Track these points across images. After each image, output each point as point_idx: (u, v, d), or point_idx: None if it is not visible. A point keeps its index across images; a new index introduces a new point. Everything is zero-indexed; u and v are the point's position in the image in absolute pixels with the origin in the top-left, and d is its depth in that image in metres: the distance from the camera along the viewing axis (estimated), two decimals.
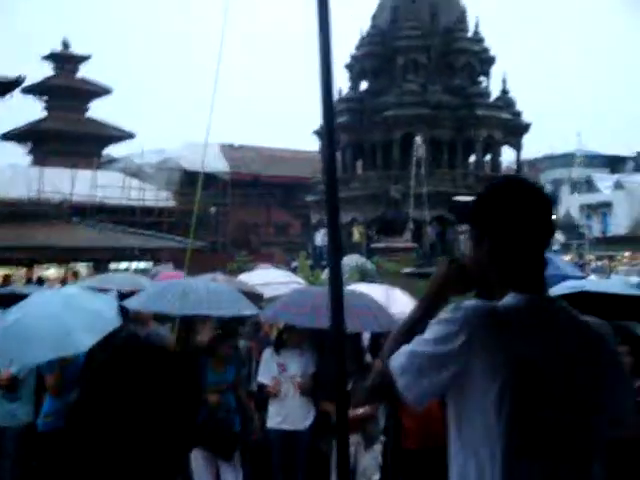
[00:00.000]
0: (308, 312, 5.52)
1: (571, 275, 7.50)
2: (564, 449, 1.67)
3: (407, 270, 13.71)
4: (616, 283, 6.52)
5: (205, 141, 4.28)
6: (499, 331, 1.67)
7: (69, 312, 5.05)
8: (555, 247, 44.86)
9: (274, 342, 6.01)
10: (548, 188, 55.20)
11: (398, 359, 1.73)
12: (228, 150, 37.56)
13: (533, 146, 45.92)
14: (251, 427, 5.89)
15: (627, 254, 36.24)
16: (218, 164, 35.52)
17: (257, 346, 6.91)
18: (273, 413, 5.78)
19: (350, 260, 14.63)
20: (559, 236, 47.57)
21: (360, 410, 5.49)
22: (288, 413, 5.70)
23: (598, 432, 1.72)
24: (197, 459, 5.59)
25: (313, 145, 31.60)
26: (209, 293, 5.87)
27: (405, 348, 1.74)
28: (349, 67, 29.40)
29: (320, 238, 27.08)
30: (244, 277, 8.30)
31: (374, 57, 28.43)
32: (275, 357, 5.84)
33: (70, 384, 5.67)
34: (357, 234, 25.88)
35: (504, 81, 28.44)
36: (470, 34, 28.25)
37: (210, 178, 34.36)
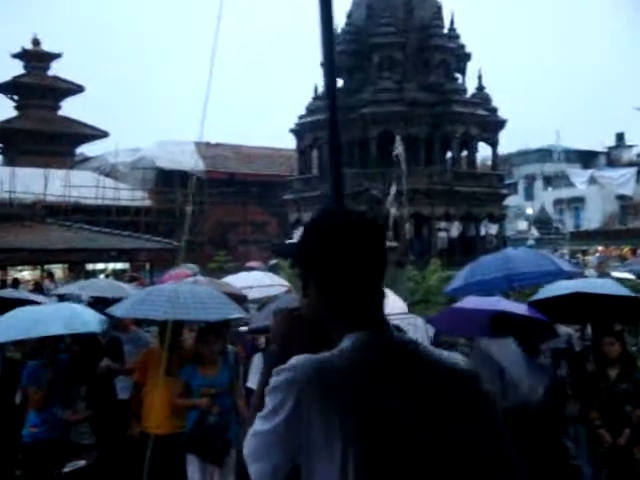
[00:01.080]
0: None
1: (568, 270, 7.46)
2: None
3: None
4: (609, 284, 6.53)
5: (201, 135, 4.15)
6: (330, 387, 1.46)
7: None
8: (530, 242, 45.34)
9: (263, 347, 5.92)
10: (522, 183, 55.77)
11: (246, 445, 1.52)
12: (204, 148, 37.30)
13: (508, 142, 46.13)
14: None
15: (600, 248, 36.67)
16: (194, 162, 35.26)
17: (243, 350, 6.83)
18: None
19: None
20: (533, 231, 48.07)
21: None
22: None
23: None
24: (193, 464, 5.50)
25: (290, 143, 31.48)
26: (195, 297, 5.78)
27: (249, 430, 1.52)
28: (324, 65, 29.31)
29: (298, 236, 27.04)
30: (227, 279, 8.21)
31: (350, 54, 28.33)
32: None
33: (54, 399, 5.62)
34: None
35: (480, 77, 28.57)
36: (446, 30, 28.30)
37: (186, 176, 34.12)
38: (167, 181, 34.23)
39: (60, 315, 5.73)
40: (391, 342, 1.59)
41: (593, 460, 5.79)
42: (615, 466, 5.50)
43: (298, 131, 28.98)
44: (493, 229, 27.14)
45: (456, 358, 1.63)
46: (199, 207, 34.28)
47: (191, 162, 34.58)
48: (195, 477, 5.54)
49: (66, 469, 5.17)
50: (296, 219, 28.00)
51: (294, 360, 1.50)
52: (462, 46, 28.64)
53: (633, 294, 6.48)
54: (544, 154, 56.31)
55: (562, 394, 6.69)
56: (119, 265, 22.04)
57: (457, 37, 28.64)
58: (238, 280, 8.19)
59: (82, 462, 5.19)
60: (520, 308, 6.04)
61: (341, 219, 1.69)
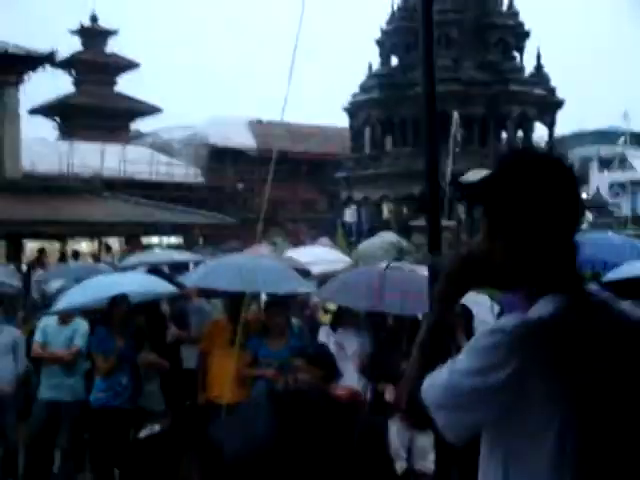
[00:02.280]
0: (365, 294, 5.47)
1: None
2: None
3: None
4: None
5: (282, 114, 4.16)
6: (554, 352, 1.40)
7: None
8: (583, 226, 44.34)
9: (331, 321, 5.96)
10: (576, 165, 54.51)
11: (433, 392, 1.48)
12: (256, 125, 37.43)
13: (563, 123, 45.14)
14: None
15: None
16: (246, 140, 35.48)
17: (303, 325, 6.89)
18: None
19: (385, 238, 14.51)
20: (588, 214, 46.98)
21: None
22: None
23: None
24: None
25: (342, 121, 31.37)
26: (264, 270, 5.83)
27: (439, 378, 1.48)
28: (379, 42, 29.04)
29: (349, 215, 27.00)
30: (290, 254, 8.25)
31: (405, 32, 28.00)
32: (332, 336, 5.80)
33: (120, 367, 5.77)
34: (387, 211, 25.75)
35: (538, 56, 27.94)
36: (504, 8, 27.71)
37: (238, 154, 34.36)
38: (219, 158, 34.51)
39: (135, 279, 5.86)
40: (597, 306, 1.49)
41: None
42: None
43: (351, 109, 28.85)
44: None
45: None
46: (250, 185, 34.53)
47: (243, 139, 34.81)
48: None
49: (142, 434, 5.29)
50: (347, 197, 27.99)
51: (510, 321, 1.44)
52: (521, 24, 28.04)
53: None
54: (601, 136, 54.86)
55: None
56: (173, 239, 22.37)
57: (516, 14, 28.03)
58: (301, 255, 8.23)
59: (157, 427, 5.30)
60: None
61: (539, 163, 1.52)
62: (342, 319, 5.81)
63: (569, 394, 1.40)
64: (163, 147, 34.76)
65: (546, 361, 1.40)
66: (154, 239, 22.11)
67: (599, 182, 49.16)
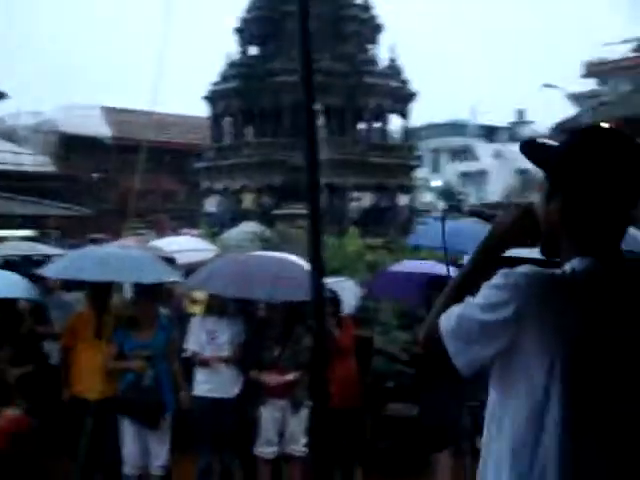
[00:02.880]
0: (233, 281, 5.47)
1: None
2: (623, 442, 1.51)
3: None
4: None
5: (153, 104, 4.02)
6: (553, 304, 1.50)
7: None
8: (435, 214, 46.52)
9: (203, 310, 5.90)
10: (428, 156, 57.03)
11: (448, 321, 1.61)
12: (111, 113, 36.06)
13: (415, 115, 46.94)
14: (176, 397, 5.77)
15: None
16: (100, 128, 34.09)
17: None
18: (201, 381, 5.71)
19: (247, 227, 14.50)
20: (439, 203, 49.38)
21: (288, 376, 5.52)
22: (217, 381, 5.64)
23: None
24: (125, 427, 5.44)
25: (202, 111, 30.88)
26: (129, 259, 5.67)
27: (455, 310, 1.61)
28: (238, 31, 28.80)
29: (211, 205, 26.70)
30: (155, 243, 8.05)
31: (264, 22, 27.99)
32: (204, 324, 5.73)
33: None
34: (248, 201, 25.69)
35: (392, 49, 28.84)
36: (359, 1, 28.36)
37: (92, 143, 32.96)
38: (72, 146, 32.93)
39: None
40: (625, 270, 1.57)
41: None
42: None
43: (211, 98, 28.46)
44: (404, 200, 27.70)
45: None
46: (106, 175, 33.23)
47: (98, 128, 33.44)
48: (128, 441, 5.49)
49: None
50: (208, 188, 27.63)
51: (526, 268, 1.54)
52: (375, 17, 28.80)
53: None
54: (449, 128, 57.68)
55: None
56: (24, 232, 21.07)
57: (370, 8, 28.76)
58: (166, 244, 8.04)
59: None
60: (454, 272, 6.26)
61: (614, 140, 1.60)
62: (214, 308, 5.77)
63: (557, 348, 1.49)
64: (9, 134, 32.66)
65: (541, 310, 1.50)
66: (3, 232, 20.75)
67: (449, 172, 51.82)
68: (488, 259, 1.73)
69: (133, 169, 34.04)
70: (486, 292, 1.57)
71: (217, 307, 5.74)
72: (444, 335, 1.61)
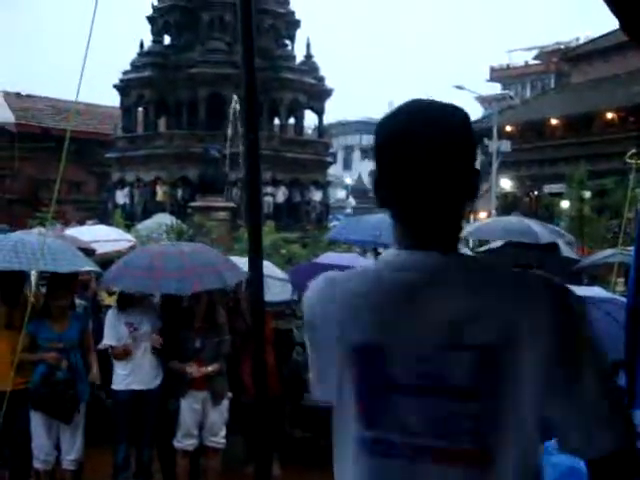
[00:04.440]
0: (143, 276, 5.39)
1: None
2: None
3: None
4: None
5: (77, 92, 3.87)
6: (336, 310, 1.37)
7: None
8: (347, 210, 47.11)
9: (118, 301, 5.75)
10: (341, 153, 57.72)
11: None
12: (14, 99, 34.54)
13: (328, 113, 47.42)
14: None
15: None
16: (3, 114, 32.60)
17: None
18: (122, 375, 5.57)
19: (161, 219, 14.27)
20: (351, 199, 50.05)
21: (209, 368, 5.47)
22: (139, 373, 5.53)
23: None
24: (35, 422, 5.25)
25: (112, 100, 30.06)
26: (43, 248, 5.45)
27: None
28: (151, 19, 28.18)
29: (122, 196, 26.04)
30: (72, 232, 7.79)
31: (178, 11, 27.50)
32: (122, 317, 5.60)
33: None
34: (161, 193, 25.23)
35: (308, 45, 28.94)
36: None
37: None
38: None
39: None
40: (441, 265, 1.33)
41: None
42: None
43: (122, 88, 27.73)
44: (317, 196, 27.90)
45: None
46: (8, 163, 31.82)
47: None
48: (39, 434, 5.30)
49: None
50: (119, 178, 26.94)
51: (316, 280, 1.47)
52: (292, 12, 28.84)
53: None
54: (362, 126, 58.54)
55: None
56: None
57: (287, 3, 28.78)
58: (82, 234, 7.80)
59: None
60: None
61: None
62: (132, 299, 5.64)
63: (347, 351, 1.35)
64: None
65: (325, 316, 1.40)
66: None
67: (361, 169, 52.56)
68: None
69: (37, 157, 32.88)
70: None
71: (136, 299, 5.62)
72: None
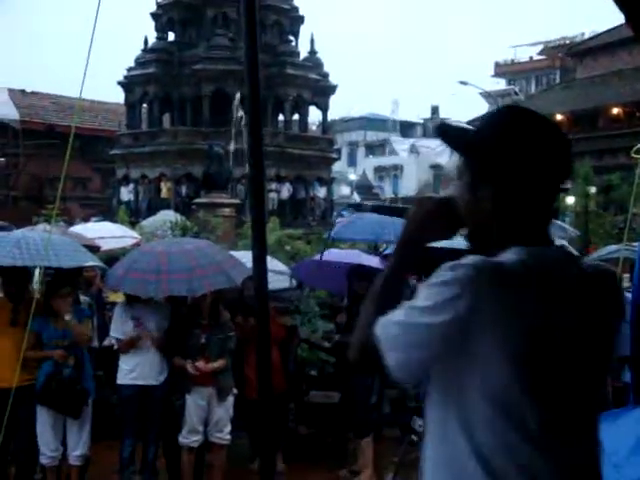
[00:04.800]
0: (155, 279, 5.38)
1: None
2: (579, 426, 1.51)
3: None
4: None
5: (80, 91, 3.87)
6: (509, 294, 1.42)
7: None
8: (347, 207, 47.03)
9: (127, 296, 5.76)
10: (345, 150, 57.62)
11: (384, 331, 1.46)
12: (19, 96, 34.60)
13: (332, 109, 47.38)
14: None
15: None
16: (7, 111, 32.65)
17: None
18: (126, 369, 5.59)
19: (166, 216, 14.28)
20: (355, 196, 50.03)
21: (215, 364, 5.48)
22: (144, 368, 5.54)
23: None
24: (41, 418, 5.27)
25: (117, 97, 30.08)
26: (46, 243, 5.45)
27: (393, 318, 1.46)
28: (155, 16, 28.17)
29: (126, 193, 26.08)
30: (76, 229, 7.81)
31: (182, 7, 27.50)
32: (129, 311, 5.61)
33: None
34: (165, 190, 25.26)
35: (312, 41, 28.90)
36: None
37: None
38: None
39: None
40: (560, 256, 1.54)
41: None
42: None
43: (127, 84, 27.74)
44: (322, 192, 27.89)
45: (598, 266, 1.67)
46: (13, 159, 31.88)
47: (4, 111, 32.01)
48: (46, 430, 5.32)
49: None
50: (124, 175, 26.97)
51: (471, 259, 1.43)
52: (295, 8, 28.80)
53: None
54: (364, 122, 58.43)
55: None
56: None
57: None
58: (87, 231, 7.82)
59: None
60: (375, 261, 6.39)
61: (536, 121, 1.54)
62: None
63: (518, 339, 1.40)
64: None
65: (496, 301, 1.40)
66: None
67: (365, 165, 52.49)
68: (408, 255, 1.63)
69: (42, 154, 32.96)
70: (429, 292, 1.43)
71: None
72: (383, 346, 1.45)
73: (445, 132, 1.62)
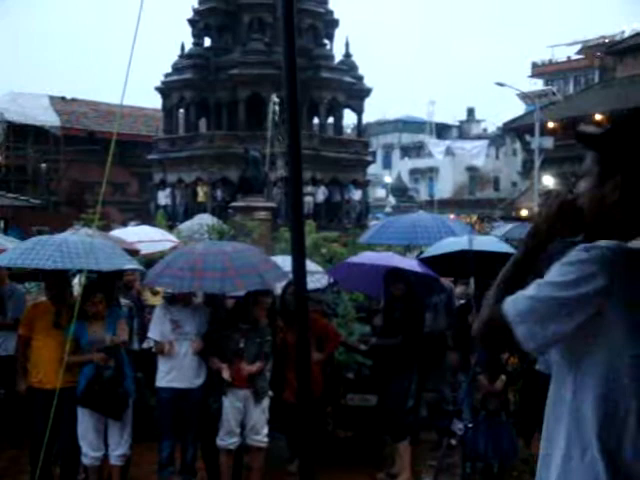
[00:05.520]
0: (186, 276, 5.43)
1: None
2: None
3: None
4: (492, 242, 6.95)
5: (122, 98, 3.93)
6: None
7: None
8: (387, 209, 46.93)
9: (168, 298, 5.82)
10: (380, 152, 57.45)
11: (515, 305, 1.56)
12: (60, 103, 35.27)
13: (367, 111, 47.36)
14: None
15: (452, 216, 38.72)
16: (49, 117, 33.31)
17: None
18: (164, 371, 5.64)
19: (203, 220, 14.42)
20: (391, 198, 49.84)
21: (253, 367, 5.51)
22: (180, 371, 5.59)
23: None
24: (83, 419, 5.35)
25: (154, 102, 30.48)
26: (86, 247, 5.55)
27: (523, 293, 1.56)
28: (192, 22, 28.51)
29: (164, 197, 26.40)
30: (116, 233, 7.94)
31: (218, 13, 27.80)
32: (169, 314, 5.67)
33: None
34: (202, 194, 25.49)
35: (347, 44, 28.98)
36: None
37: (40, 132, 32.18)
38: (19, 136, 32.06)
39: None
40: None
41: (472, 403, 6.24)
42: (490, 408, 5.94)
43: (164, 90, 28.11)
44: (357, 195, 27.87)
45: None
46: (54, 165, 32.48)
47: (45, 117, 32.65)
48: (89, 431, 5.40)
49: None
50: (161, 180, 27.32)
51: (609, 242, 1.52)
52: (330, 11, 28.87)
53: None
54: (400, 125, 58.22)
55: (443, 344, 7.13)
56: None
57: (325, 2, 28.82)
58: (127, 234, 7.93)
59: None
60: (411, 264, 6.36)
61: None
62: (178, 297, 5.72)
63: None
64: None
65: (631, 286, 1.48)
66: None
67: (401, 168, 52.26)
68: (534, 247, 1.71)
69: (82, 160, 33.47)
70: (563, 268, 1.52)
71: (182, 296, 5.69)
72: (512, 319, 1.55)
73: (580, 136, 1.68)
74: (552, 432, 1.63)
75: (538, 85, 53.17)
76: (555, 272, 1.54)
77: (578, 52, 55.41)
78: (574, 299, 1.49)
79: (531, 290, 1.55)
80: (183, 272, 5.45)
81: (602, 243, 1.52)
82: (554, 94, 41.85)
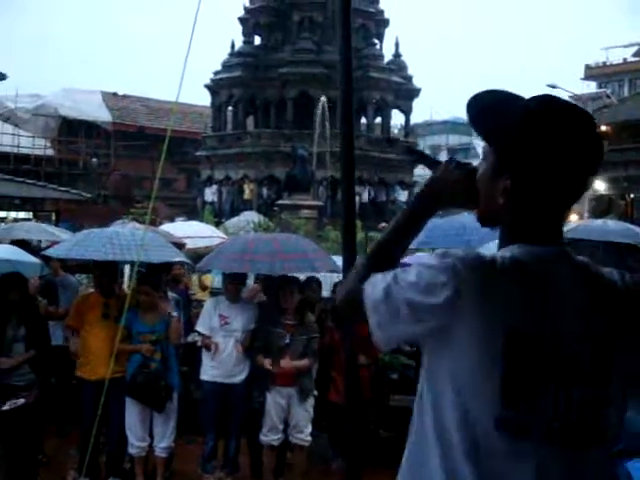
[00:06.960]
0: (236, 258, 5.55)
1: None
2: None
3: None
4: None
5: (178, 94, 3.97)
6: (492, 293, 1.39)
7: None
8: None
9: (213, 294, 5.88)
10: (428, 153, 57.01)
11: (372, 291, 1.47)
12: (112, 99, 35.91)
13: (415, 112, 47.07)
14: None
15: None
16: (100, 113, 33.94)
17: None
18: (208, 366, 5.69)
19: (249, 217, 14.52)
20: None
21: (298, 363, 5.51)
22: (224, 366, 5.62)
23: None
24: (130, 409, 5.42)
25: (203, 99, 30.80)
26: (136, 240, 5.64)
27: (381, 281, 1.46)
28: (243, 20, 28.72)
29: (210, 194, 26.66)
30: (165, 228, 8.04)
31: (269, 11, 27.94)
32: (218, 308, 5.71)
33: None
34: (248, 191, 25.67)
35: (397, 45, 28.84)
36: None
37: (92, 127, 32.82)
38: (71, 131, 32.77)
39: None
40: (564, 259, 1.46)
41: None
42: None
43: (213, 87, 28.39)
44: (403, 196, 27.71)
45: (609, 272, 1.51)
46: (105, 160, 33.08)
47: (97, 113, 33.29)
48: (135, 421, 5.47)
49: (5, 407, 4.98)
50: (208, 176, 27.60)
51: (462, 252, 1.42)
52: (381, 11, 28.77)
53: None
54: (448, 126, 57.73)
55: None
56: (22, 214, 20.98)
57: (377, 2, 28.73)
58: (175, 229, 8.03)
59: (21, 400, 5.02)
60: None
61: (571, 114, 1.44)
62: (227, 292, 5.77)
63: (494, 339, 1.37)
64: (8, 116, 32.46)
65: (480, 296, 1.38)
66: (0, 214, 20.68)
67: None
68: (419, 216, 1.61)
69: (131, 155, 33.96)
70: (420, 270, 1.42)
71: (231, 292, 5.73)
72: (367, 305, 1.47)
73: (476, 109, 1.56)
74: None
75: (591, 87, 52.10)
76: (414, 269, 1.43)
77: (634, 54, 54.11)
78: (421, 306, 1.40)
79: (388, 280, 1.45)
80: (235, 255, 5.60)
81: (458, 253, 1.42)
82: (608, 97, 40.92)
